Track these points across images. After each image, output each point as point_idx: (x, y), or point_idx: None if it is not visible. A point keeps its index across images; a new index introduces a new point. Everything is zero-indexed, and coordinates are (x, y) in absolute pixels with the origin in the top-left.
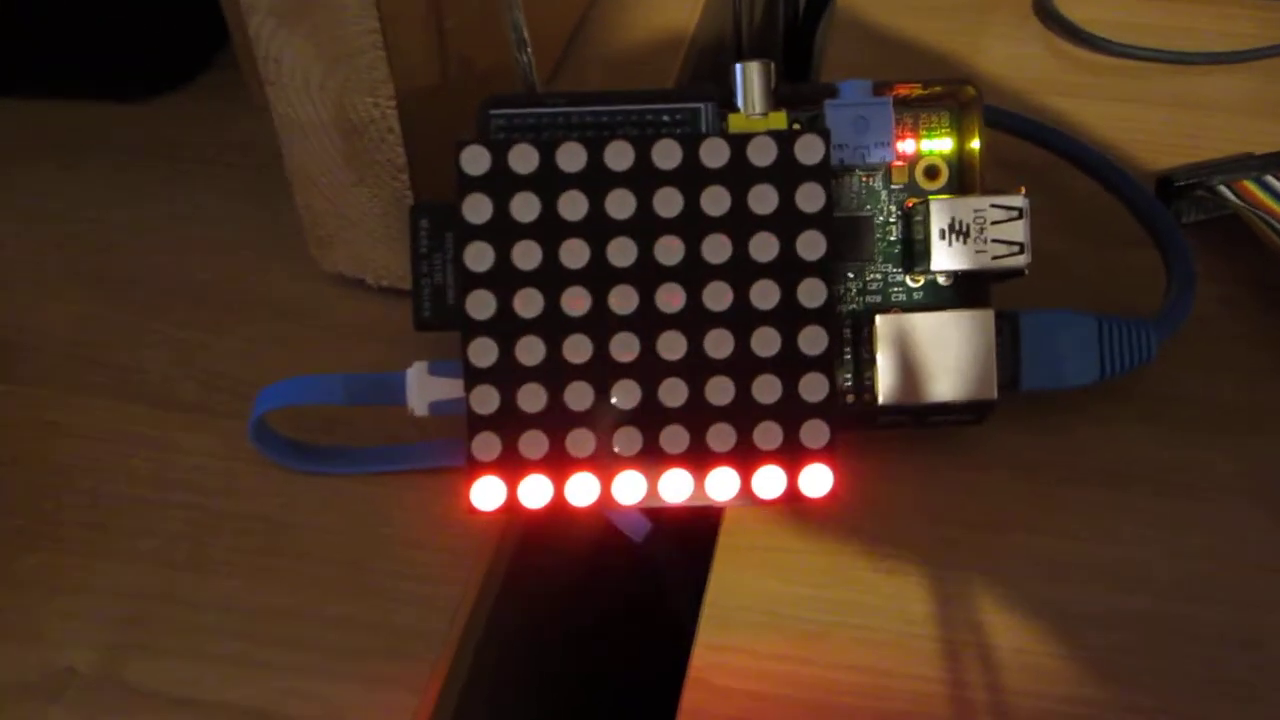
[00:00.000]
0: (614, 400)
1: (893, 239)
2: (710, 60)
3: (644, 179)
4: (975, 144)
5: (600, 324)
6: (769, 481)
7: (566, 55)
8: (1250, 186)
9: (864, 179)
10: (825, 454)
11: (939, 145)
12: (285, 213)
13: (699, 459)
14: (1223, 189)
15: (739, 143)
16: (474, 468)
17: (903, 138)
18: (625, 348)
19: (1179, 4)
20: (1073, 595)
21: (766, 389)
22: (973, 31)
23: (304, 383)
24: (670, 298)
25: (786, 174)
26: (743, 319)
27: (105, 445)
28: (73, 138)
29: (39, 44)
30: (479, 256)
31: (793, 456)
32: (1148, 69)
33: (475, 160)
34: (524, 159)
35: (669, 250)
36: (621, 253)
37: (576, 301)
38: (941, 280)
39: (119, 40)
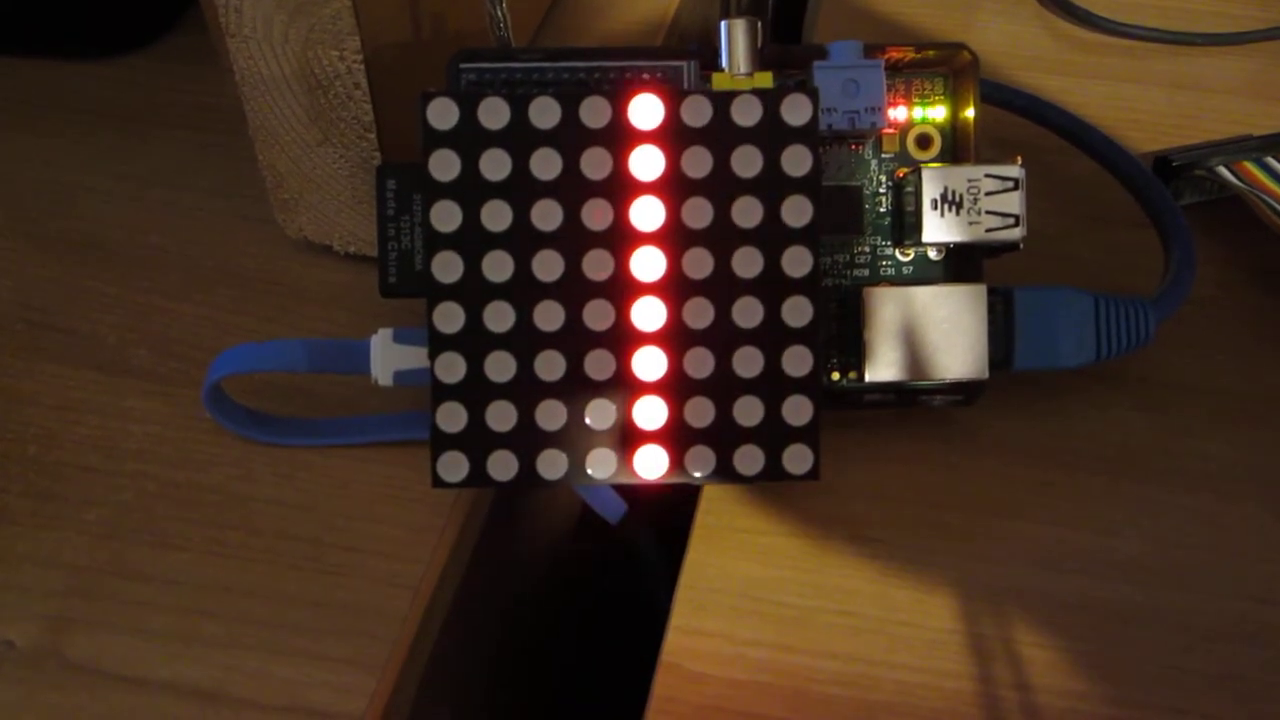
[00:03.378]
0: (587, 371)
1: (882, 210)
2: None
3: (621, 138)
4: (970, 112)
5: (573, 290)
6: (749, 459)
7: (538, 38)
8: (1250, 168)
9: (853, 147)
10: (808, 431)
11: (932, 113)
12: (249, 178)
13: (676, 434)
14: (1222, 170)
15: (722, 101)
16: (438, 439)
17: (894, 105)
18: (599, 316)
19: None
20: (1063, 584)
21: (747, 362)
22: (967, 7)
23: (264, 348)
24: (647, 264)
25: (772, 135)
26: (724, 288)
27: (54, 412)
28: (30, 96)
29: None
30: (446, 216)
31: (774, 433)
32: (1146, 49)
33: (442, 114)
34: (494, 113)
35: (647, 213)
36: (596, 215)
37: (548, 266)
38: (932, 254)
39: None
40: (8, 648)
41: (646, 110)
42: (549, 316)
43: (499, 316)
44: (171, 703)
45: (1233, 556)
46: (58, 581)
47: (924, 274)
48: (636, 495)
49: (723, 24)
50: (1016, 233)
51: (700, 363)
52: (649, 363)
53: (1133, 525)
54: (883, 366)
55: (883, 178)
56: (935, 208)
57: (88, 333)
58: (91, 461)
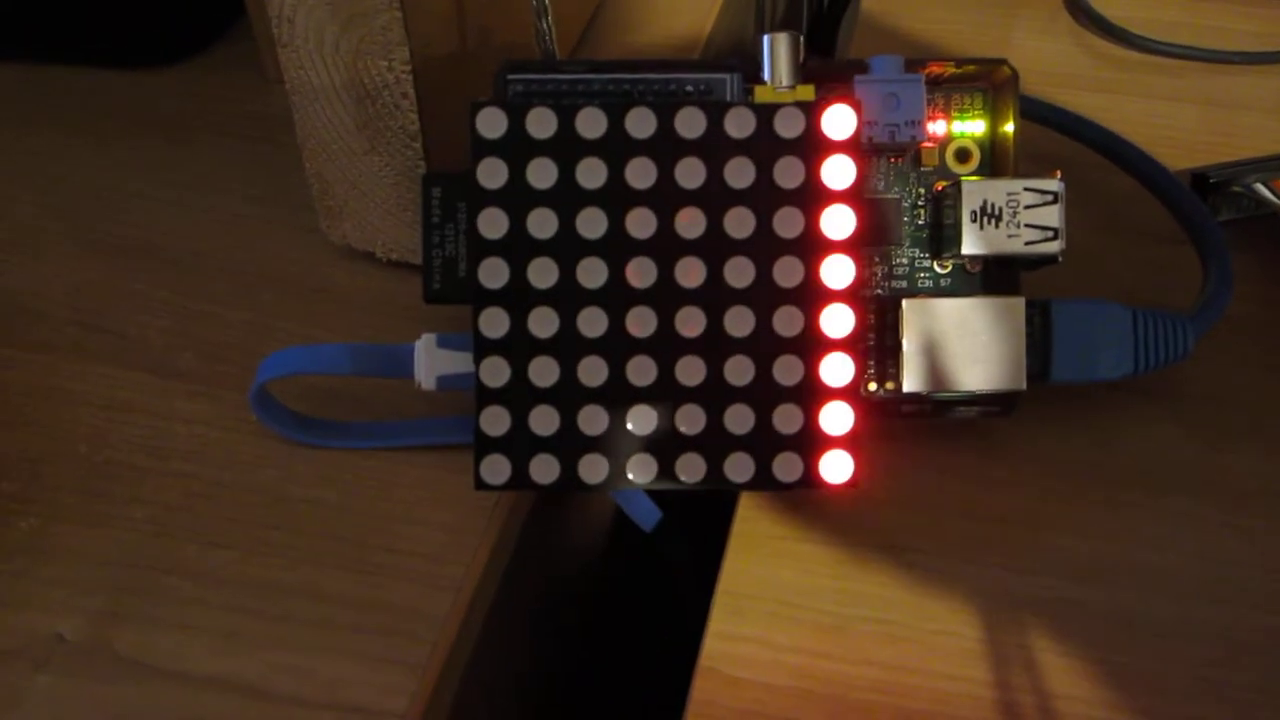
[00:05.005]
0: (629, 377)
1: (921, 223)
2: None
3: (666, 148)
4: (1009, 127)
5: (617, 297)
6: (787, 466)
7: (576, 52)
8: None
9: (892, 160)
10: (847, 440)
11: (971, 128)
12: (295, 186)
13: (716, 440)
14: (1259, 187)
15: (765, 113)
16: (482, 442)
17: (933, 119)
18: (642, 323)
19: (1211, 3)
20: (1098, 596)
21: (787, 370)
22: (1002, 25)
23: (309, 351)
24: (690, 272)
25: (814, 147)
26: (764, 296)
27: (104, 412)
28: (84, 104)
29: (52, 8)
30: (493, 223)
31: (813, 441)
32: (1181, 67)
33: (491, 123)
34: (542, 123)
35: (690, 223)
36: (641, 224)
37: (593, 273)
38: (970, 266)
39: (133, 7)
40: (58, 641)
41: (691, 122)
42: (592, 323)
43: (543, 322)
44: (216, 697)
45: (1269, 572)
46: (107, 577)
47: (961, 286)
48: (671, 502)
49: (765, 38)
50: (1055, 246)
51: (740, 370)
52: (690, 370)
53: (1168, 539)
54: (919, 377)
55: (921, 190)
56: (974, 220)
57: (136, 336)
58: (139, 461)
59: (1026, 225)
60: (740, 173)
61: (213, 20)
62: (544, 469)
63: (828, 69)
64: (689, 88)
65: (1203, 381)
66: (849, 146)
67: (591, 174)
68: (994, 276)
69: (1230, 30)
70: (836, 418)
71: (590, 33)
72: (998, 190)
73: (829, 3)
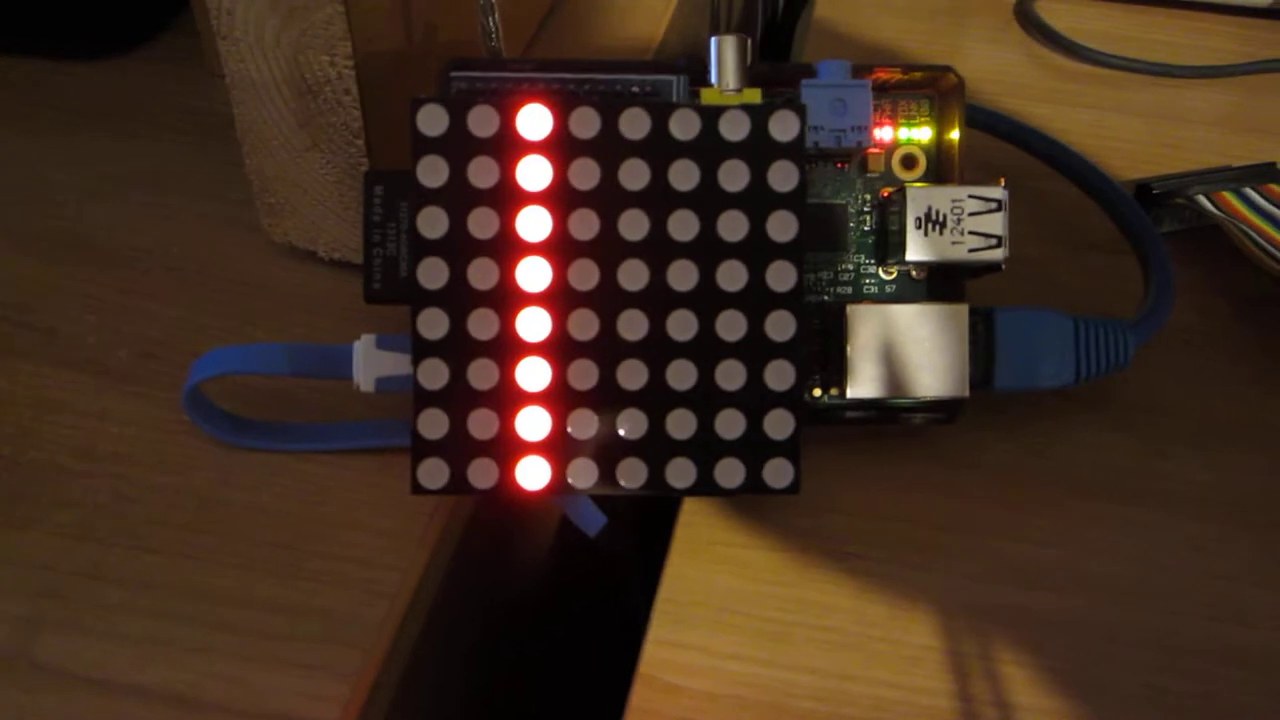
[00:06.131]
0: (570, 381)
1: (866, 229)
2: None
3: (610, 149)
4: (955, 134)
5: (558, 299)
6: (730, 471)
7: (529, 52)
8: (1229, 198)
9: (838, 165)
10: (789, 445)
11: (917, 134)
12: (236, 182)
13: (658, 445)
14: (1201, 199)
15: (711, 115)
16: (419, 445)
17: (880, 125)
18: (583, 325)
19: (1159, 17)
20: (1041, 602)
21: (730, 375)
22: (952, 35)
23: (245, 351)
24: (633, 275)
25: (759, 150)
26: (708, 300)
27: (30, 411)
28: (18, 96)
29: None
30: (433, 222)
31: (755, 446)
32: (1128, 79)
33: (432, 120)
34: (484, 121)
35: (633, 225)
36: (583, 225)
37: (534, 275)
38: (915, 273)
39: None
40: None
41: (634, 123)
42: (533, 325)
43: (483, 324)
44: (142, 707)
45: (1210, 577)
46: (29, 583)
47: (906, 293)
48: (615, 507)
49: (712, 40)
50: (999, 253)
51: (683, 375)
52: (632, 374)
53: (1110, 545)
54: (864, 383)
55: (867, 196)
56: (919, 227)
57: (68, 332)
58: (67, 462)
59: (971, 232)
60: (684, 175)
61: (156, 12)
62: (483, 473)
63: (775, 73)
64: (635, 89)
65: (1144, 390)
66: (793, 151)
67: (534, 174)
68: (939, 283)
69: (1177, 45)
70: (779, 423)
71: (543, 33)
72: (943, 197)
73: (783, 8)
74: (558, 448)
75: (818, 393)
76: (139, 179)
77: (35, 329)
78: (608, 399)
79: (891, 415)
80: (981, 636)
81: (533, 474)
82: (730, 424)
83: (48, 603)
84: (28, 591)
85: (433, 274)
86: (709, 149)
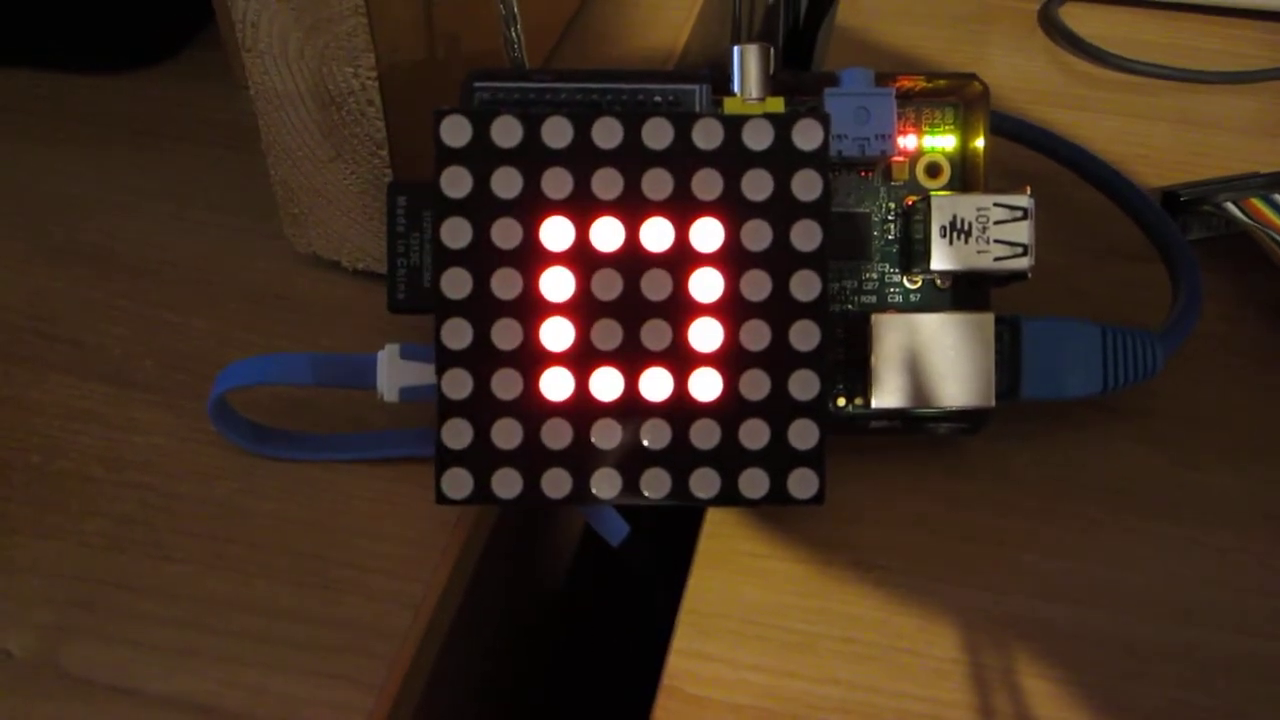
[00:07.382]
0: (593, 391)
1: (890, 238)
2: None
3: (633, 158)
4: (980, 142)
5: (581, 309)
6: (753, 482)
7: (550, 63)
8: (1258, 204)
9: (862, 174)
10: (813, 456)
11: (942, 142)
12: (261, 193)
13: (681, 455)
14: (1230, 206)
15: (734, 124)
16: (443, 455)
17: (904, 133)
18: (607, 335)
19: (1185, 22)
20: (1067, 615)
21: (754, 385)
22: (976, 42)
23: (270, 361)
24: (657, 284)
25: (783, 159)
26: (732, 310)
27: (58, 422)
28: (46, 109)
29: (16, 10)
30: (456, 232)
31: (779, 457)
32: (1153, 85)
33: (456, 131)
34: (507, 132)
35: (657, 234)
36: (607, 235)
37: (557, 285)
38: (940, 282)
39: (98, 11)
40: (5, 657)
41: (657, 132)
42: (557, 335)
43: (507, 334)
44: (166, 716)
45: (1240, 591)
46: (56, 592)
47: (931, 302)
48: (639, 517)
49: (735, 49)
50: (1025, 262)
51: (707, 385)
52: (655, 384)
53: (1138, 558)
54: (889, 393)
55: (891, 205)
56: (944, 235)
57: (94, 344)
58: (94, 472)
59: (996, 241)
60: (708, 184)
61: (182, 25)
62: (507, 483)
63: (798, 81)
64: (657, 98)
65: (1172, 400)
66: (817, 160)
67: (557, 184)
68: (964, 292)
69: (1204, 50)
70: (803, 433)
71: (564, 43)
72: (968, 205)
73: (805, 16)
74: (581, 457)
75: (842, 402)
76: (165, 191)
77: (63, 340)
78: (631, 409)
79: (916, 425)
80: (1007, 650)
81: (556, 484)
82: (754, 434)
83: (75, 612)
84: (55, 600)
85: (456, 284)
86: (732, 158)
